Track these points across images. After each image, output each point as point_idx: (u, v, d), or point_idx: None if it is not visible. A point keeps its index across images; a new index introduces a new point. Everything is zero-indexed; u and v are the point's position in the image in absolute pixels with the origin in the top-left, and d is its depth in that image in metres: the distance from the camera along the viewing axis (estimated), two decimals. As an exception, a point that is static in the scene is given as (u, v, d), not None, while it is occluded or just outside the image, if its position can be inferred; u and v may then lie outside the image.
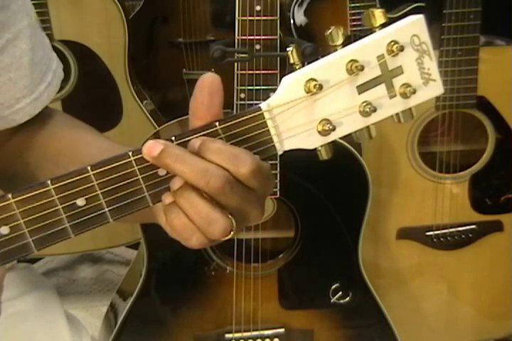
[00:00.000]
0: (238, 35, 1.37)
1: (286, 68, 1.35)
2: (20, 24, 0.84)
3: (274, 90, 1.19)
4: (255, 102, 1.37)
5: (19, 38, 0.84)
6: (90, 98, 2.00)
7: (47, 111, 0.91)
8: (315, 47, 1.31)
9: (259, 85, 1.39)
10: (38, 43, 0.87)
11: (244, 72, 1.39)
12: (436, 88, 0.67)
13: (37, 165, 0.87)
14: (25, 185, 0.84)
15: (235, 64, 1.39)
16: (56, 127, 0.90)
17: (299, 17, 2.06)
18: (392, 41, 0.64)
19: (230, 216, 0.65)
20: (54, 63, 0.90)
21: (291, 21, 2.05)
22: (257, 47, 1.37)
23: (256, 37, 1.37)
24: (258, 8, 1.35)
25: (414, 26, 0.65)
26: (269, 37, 1.37)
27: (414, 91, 0.66)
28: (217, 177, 0.63)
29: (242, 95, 1.39)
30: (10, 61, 0.84)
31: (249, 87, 1.39)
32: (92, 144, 0.87)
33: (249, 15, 1.36)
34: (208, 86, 0.65)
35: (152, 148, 0.63)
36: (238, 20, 1.37)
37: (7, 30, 0.82)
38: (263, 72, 1.38)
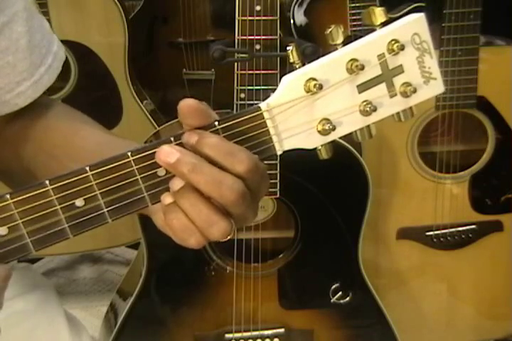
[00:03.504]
0: (238, 35, 1.37)
1: (287, 68, 1.35)
2: (15, 7, 0.83)
3: (274, 90, 1.18)
4: (255, 102, 1.37)
5: (14, 21, 0.83)
6: (90, 98, 2.00)
7: (46, 101, 0.91)
8: (315, 47, 1.31)
9: (259, 85, 1.39)
10: (35, 26, 0.86)
11: (244, 72, 1.38)
12: (436, 87, 0.67)
13: (31, 158, 0.86)
14: (18, 178, 0.83)
15: (235, 64, 1.39)
16: (53, 119, 0.89)
17: (299, 17, 2.06)
18: (392, 40, 0.64)
19: (230, 217, 0.65)
20: (54, 45, 0.90)
21: (291, 21, 2.05)
22: (257, 47, 1.37)
23: (256, 37, 1.37)
24: (258, 8, 1.35)
25: (414, 24, 0.65)
26: (269, 37, 1.37)
27: (414, 90, 0.66)
28: (232, 190, 0.63)
29: (242, 95, 1.39)
30: (7, 44, 0.83)
31: (249, 87, 1.39)
32: (88, 137, 0.87)
33: (249, 15, 1.36)
34: (186, 111, 0.64)
35: (168, 155, 0.62)
36: (238, 20, 1.37)
37: (1, 13, 0.82)
38: (263, 72, 1.38)
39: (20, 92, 0.86)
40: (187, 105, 0.64)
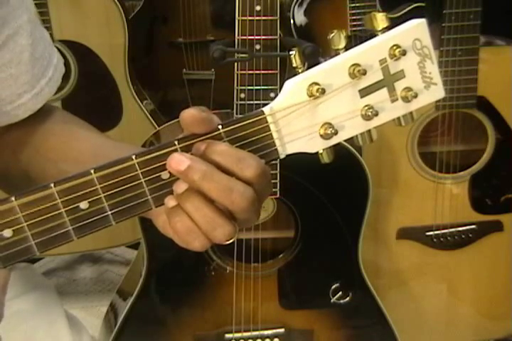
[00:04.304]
0: (238, 35, 1.37)
1: (287, 68, 1.36)
2: (20, 19, 0.84)
3: (273, 90, 1.18)
4: (255, 102, 1.37)
5: (19, 34, 0.84)
6: (90, 98, 2.00)
7: (45, 107, 0.91)
8: (315, 47, 1.31)
9: (259, 85, 1.38)
10: (38, 38, 0.87)
11: (244, 72, 1.38)
12: (437, 92, 0.67)
13: (29, 162, 0.87)
14: (16, 182, 0.84)
15: (235, 64, 1.39)
16: (51, 124, 0.90)
17: (299, 17, 2.06)
18: (394, 45, 0.64)
19: (233, 220, 0.65)
20: (55, 58, 0.90)
21: (291, 21, 2.05)
22: (257, 47, 1.37)
23: (256, 37, 1.37)
24: (258, 8, 1.35)
25: (416, 30, 0.65)
26: (269, 37, 1.37)
27: (415, 95, 0.66)
28: (243, 197, 0.63)
29: (242, 95, 1.39)
30: (10, 57, 0.84)
31: (249, 87, 1.39)
32: (82, 139, 0.87)
33: (249, 15, 1.36)
34: (189, 122, 0.64)
35: (179, 162, 0.63)
36: (238, 20, 1.37)
37: (7, 26, 0.82)
38: (263, 72, 1.38)
39: (21, 104, 0.86)
40: (190, 115, 0.64)
